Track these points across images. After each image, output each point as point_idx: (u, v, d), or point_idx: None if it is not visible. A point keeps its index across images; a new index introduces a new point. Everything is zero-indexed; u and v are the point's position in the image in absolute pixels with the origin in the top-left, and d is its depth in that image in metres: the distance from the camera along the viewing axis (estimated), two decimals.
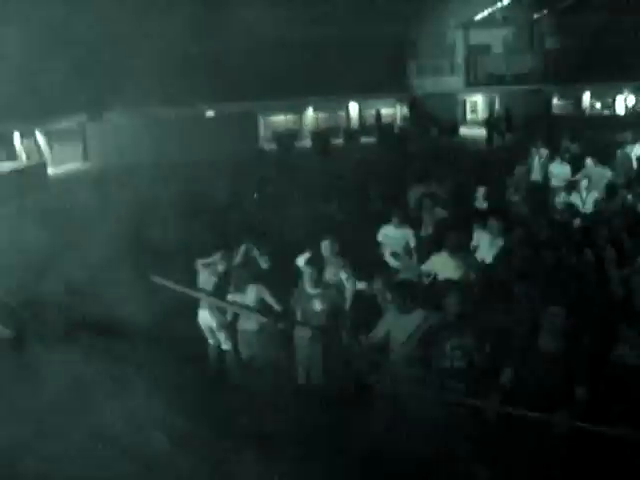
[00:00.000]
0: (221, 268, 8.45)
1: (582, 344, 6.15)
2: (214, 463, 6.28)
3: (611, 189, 11.49)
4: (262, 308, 7.80)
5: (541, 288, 7.19)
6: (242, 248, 9.34)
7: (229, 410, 7.27)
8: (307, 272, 7.33)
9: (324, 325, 7.13)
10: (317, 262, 7.94)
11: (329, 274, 8.10)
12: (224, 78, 29.52)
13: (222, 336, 8.34)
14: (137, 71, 24.57)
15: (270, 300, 7.82)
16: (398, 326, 6.24)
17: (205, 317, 8.32)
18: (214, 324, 8.30)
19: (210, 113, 33.56)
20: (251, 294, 7.78)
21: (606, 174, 12.95)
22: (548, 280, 7.56)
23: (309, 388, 7.34)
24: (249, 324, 7.79)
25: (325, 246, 8.35)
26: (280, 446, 6.43)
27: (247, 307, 7.69)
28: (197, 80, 28.75)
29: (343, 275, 8.09)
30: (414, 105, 35.74)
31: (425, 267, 8.56)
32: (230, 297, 7.92)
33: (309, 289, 7.30)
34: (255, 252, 9.46)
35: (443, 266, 8.24)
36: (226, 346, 8.35)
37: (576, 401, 4.92)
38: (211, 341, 8.47)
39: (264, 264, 9.28)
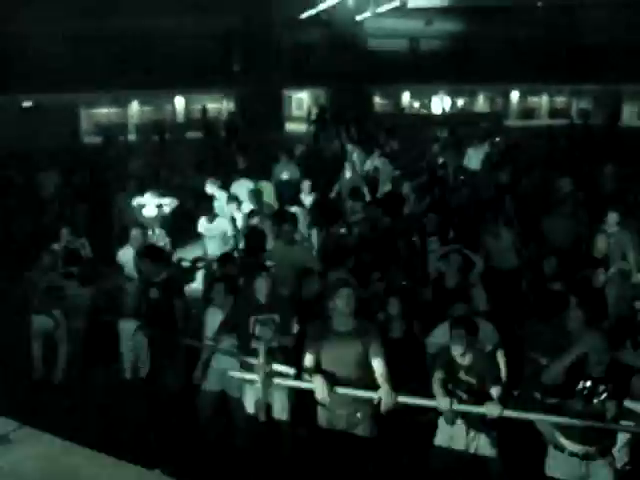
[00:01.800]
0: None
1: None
2: None
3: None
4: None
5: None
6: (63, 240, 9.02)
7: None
8: (136, 264, 7.07)
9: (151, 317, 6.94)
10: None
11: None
12: (42, 67, 28.01)
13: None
14: None
15: None
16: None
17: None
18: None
19: (27, 103, 31.76)
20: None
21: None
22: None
23: (135, 382, 7.16)
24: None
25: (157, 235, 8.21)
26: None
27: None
28: (11, 67, 27.10)
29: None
30: (240, 100, 35.77)
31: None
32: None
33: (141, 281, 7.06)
34: (78, 243, 9.18)
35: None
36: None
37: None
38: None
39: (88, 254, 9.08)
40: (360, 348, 5.18)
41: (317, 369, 5.29)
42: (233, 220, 10.32)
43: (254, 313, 6.00)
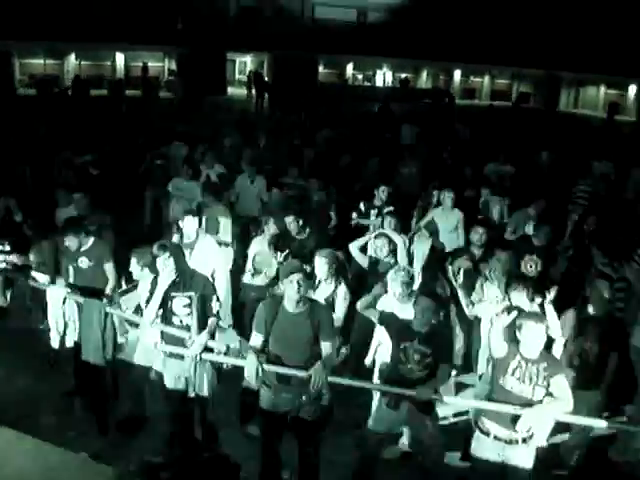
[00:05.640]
0: None
1: None
2: None
3: None
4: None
5: None
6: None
7: None
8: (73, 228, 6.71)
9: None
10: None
11: None
12: None
13: None
14: None
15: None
16: None
17: None
18: None
19: None
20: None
21: None
22: None
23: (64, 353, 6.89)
24: None
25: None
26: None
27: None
28: None
29: None
30: (182, 61, 35.03)
31: None
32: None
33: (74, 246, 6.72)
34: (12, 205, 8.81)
35: None
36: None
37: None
38: None
39: (18, 217, 8.68)
40: (310, 330, 5.07)
41: (263, 349, 5.17)
42: None
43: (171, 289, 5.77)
